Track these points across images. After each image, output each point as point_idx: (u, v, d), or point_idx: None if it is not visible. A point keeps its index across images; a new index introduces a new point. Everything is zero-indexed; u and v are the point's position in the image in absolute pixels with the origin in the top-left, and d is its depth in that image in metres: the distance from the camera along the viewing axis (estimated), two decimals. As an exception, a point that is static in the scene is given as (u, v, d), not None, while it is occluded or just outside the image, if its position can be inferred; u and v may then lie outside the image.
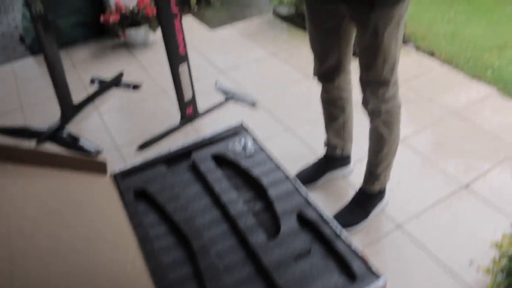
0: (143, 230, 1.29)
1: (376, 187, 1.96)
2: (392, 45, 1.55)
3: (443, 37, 3.60)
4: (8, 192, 1.17)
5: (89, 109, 3.01)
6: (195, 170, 1.54)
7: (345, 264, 1.14)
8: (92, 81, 3.31)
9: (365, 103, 1.74)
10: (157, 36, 3.72)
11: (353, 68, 1.82)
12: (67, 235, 1.12)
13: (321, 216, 1.28)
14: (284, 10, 4.04)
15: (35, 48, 3.81)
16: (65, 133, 2.74)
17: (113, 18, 3.60)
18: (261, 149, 1.61)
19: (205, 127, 2.70)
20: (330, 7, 1.61)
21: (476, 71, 3.10)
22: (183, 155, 1.62)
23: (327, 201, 2.13)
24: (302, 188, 1.38)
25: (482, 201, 2.07)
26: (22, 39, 4.15)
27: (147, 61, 3.57)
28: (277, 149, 2.25)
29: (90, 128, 2.84)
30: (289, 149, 2.47)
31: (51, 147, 2.63)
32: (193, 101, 2.68)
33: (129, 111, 2.99)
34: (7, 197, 1.14)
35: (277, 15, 4.12)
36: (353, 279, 1.11)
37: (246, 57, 3.52)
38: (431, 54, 3.35)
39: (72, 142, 2.65)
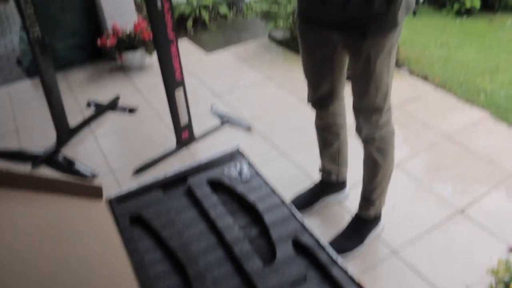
0: (138, 256, 1.28)
1: (372, 212, 1.96)
2: (384, 73, 1.57)
3: (437, 61, 3.65)
4: (1, 217, 1.16)
5: (85, 132, 3.01)
6: (191, 195, 1.53)
7: (342, 291, 1.14)
8: (89, 104, 3.32)
9: (358, 130, 1.76)
10: (153, 59, 3.75)
11: (347, 94, 1.84)
12: (61, 261, 1.11)
13: (317, 242, 1.28)
14: (279, 34, 4.09)
15: (31, 70, 3.83)
16: (60, 157, 2.74)
17: (110, 41, 3.63)
18: (257, 174, 1.60)
19: (201, 152, 2.70)
20: (322, 35, 1.64)
21: (469, 95, 3.14)
22: (179, 180, 1.62)
23: (323, 226, 2.13)
24: (298, 214, 1.38)
25: (478, 226, 2.08)
26: (19, 62, 4.17)
27: (143, 84, 3.59)
28: (273, 174, 2.25)
29: (85, 151, 2.84)
30: (285, 174, 2.48)
31: (46, 171, 2.62)
32: (189, 125, 2.69)
33: (125, 135, 3.00)
34: (0, 222, 1.14)
35: (272, 39, 4.17)
36: (350, 306, 1.10)
37: (242, 81, 3.55)
38: (425, 78, 3.39)
39: (68, 166, 2.65)
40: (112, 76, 3.77)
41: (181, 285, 1.21)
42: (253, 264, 1.22)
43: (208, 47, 4.23)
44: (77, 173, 2.59)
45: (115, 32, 3.68)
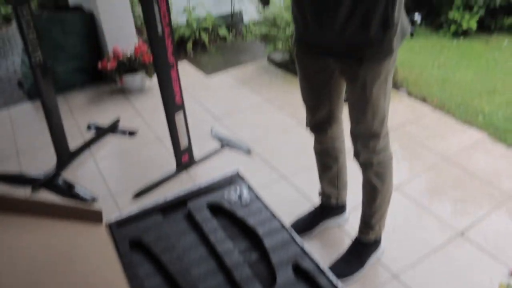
0: (138, 282, 1.28)
1: (371, 236, 1.96)
2: (381, 99, 1.59)
3: (435, 83, 3.68)
4: (1, 242, 1.17)
5: (85, 155, 3.02)
6: (191, 220, 1.54)
7: (342, 317, 1.14)
8: (89, 127, 3.34)
9: (356, 155, 1.77)
10: (153, 81, 3.78)
11: (345, 118, 1.85)
12: (61, 286, 1.11)
13: (317, 267, 1.28)
14: (278, 57, 4.13)
15: (33, 93, 3.86)
16: (60, 180, 2.74)
17: (111, 65, 3.66)
18: (257, 197, 1.61)
19: (201, 175, 2.71)
20: (320, 61, 1.66)
21: (467, 117, 3.16)
22: (179, 203, 1.62)
23: (323, 250, 2.13)
24: (298, 238, 1.38)
25: (478, 249, 2.07)
26: (20, 84, 4.20)
27: (143, 107, 3.62)
28: (273, 197, 2.25)
29: (85, 175, 2.84)
30: (285, 197, 2.48)
31: (46, 195, 2.62)
32: (189, 148, 2.71)
33: (125, 158, 3.01)
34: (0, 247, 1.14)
35: (272, 61, 4.21)
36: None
37: (241, 104, 3.57)
38: (423, 99, 3.42)
39: (68, 190, 2.65)
40: (113, 99, 3.80)
41: (181, 311, 1.21)
42: (254, 290, 1.22)
43: (207, 69, 4.27)
44: (77, 196, 2.59)
45: (115, 55, 3.72)
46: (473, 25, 4.51)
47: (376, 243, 2.00)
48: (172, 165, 2.73)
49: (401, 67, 3.79)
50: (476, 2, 4.47)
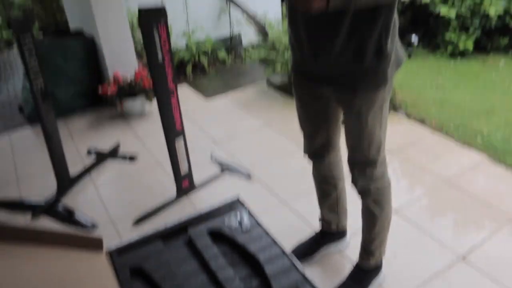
0: (139, 311, 1.28)
1: (372, 262, 1.96)
2: (376, 127, 1.61)
3: (433, 104, 3.71)
4: (2, 271, 1.16)
5: (85, 181, 3.02)
6: (192, 246, 1.54)
7: None
8: (89, 152, 3.35)
9: (354, 182, 1.78)
10: (153, 106, 3.79)
11: (343, 145, 1.86)
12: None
13: (318, 294, 1.28)
14: (277, 80, 4.16)
15: (33, 118, 3.87)
16: (60, 207, 2.74)
17: (111, 89, 3.69)
18: (257, 223, 1.61)
19: (201, 200, 2.71)
20: (316, 90, 1.67)
21: (466, 138, 3.17)
22: (180, 230, 1.62)
23: (324, 276, 2.11)
24: (299, 265, 1.38)
25: (479, 273, 2.06)
26: (21, 109, 4.22)
27: (143, 131, 3.63)
28: (273, 223, 2.24)
29: (86, 201, 2.84)
30: (285, 223, 2.48)
31: (46, 221, 2.62)
32: (189, 174, 2.71)
33: (125, 184, 3.01)
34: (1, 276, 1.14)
35: (271, 84, 4.23)
36: None
37: (241, 128, 3.59)
38: (422, 121, 3.44)
39: (68, 216, 2.65)
40: (113, 123, 3.82)
41: None
42: (255, 320, 1.22)
43: (207, 92, 4.30)
44: (77, 223, 2.59)
45: (116, 80, 3.75)
46: (470, 46, 4.57)
47: (377, 269, 1.99)
48: (172, 190, 2.73)
49: (399, 88, 3.81)
50: (472, 23, 4.53)
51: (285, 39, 3.78)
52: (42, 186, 2.95)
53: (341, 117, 1.78)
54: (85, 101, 4.08)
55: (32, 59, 2.59)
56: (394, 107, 3.58)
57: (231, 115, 3.84)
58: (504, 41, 4.69)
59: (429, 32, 5.01)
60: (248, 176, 2.87)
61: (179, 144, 2.58)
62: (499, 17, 4.45)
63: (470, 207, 2.51)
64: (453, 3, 4.54)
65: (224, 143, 3.35)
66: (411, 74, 4.34)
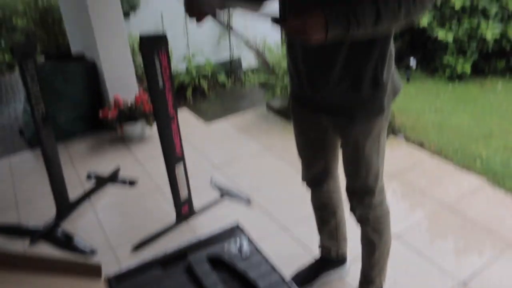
0: None
1: (372, 290, 1.95)
2: (373, 156, 1.62)
3: (431, 128, 3.72)
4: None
5: (84, 205, 3.02)
6: (191, 273, 1.53)
7: None
8: (89, 177, 3.35)
9: (353, 210, 1.78)
10: (153, 130, 3.80)
11: (342, 172, 1.87)
12: None
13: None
14: (277, 103, 4.18)
15: (33, 141, 3.88)
16: (59, 232, 2.73)
17: (112, 113, 3.71)
18: (257, 250, 1.61)
19: (200, 226, 2.70)
20: (314, 118, 1.69)
21: (465, 162, 3.18)
22: (179, 256, 1.62)
23: (324, 304, 2.10)
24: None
25: (481, 300, 2.05)
26: (21, 132, 4.24)
27: (143, 155, 3.64)
28: (273, 249, 2.23)
29: (85, 226, 2.83)
30: (285, 249, 2.46)
31: (45, 247, 2.61)
32: (189, 199, 2.71)
33: (124, 209, 3.00)
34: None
35: (271, 108, 4.26)
36: None
37: (241, 152, 3.59)
38: (421, 145, 3.45)
39: (67, 242, 2.64)
40: (113, 147, 3.83)
41: None
42: None
43: (207, 116, 4.32)
44: (76, 249, 2.57)
45: (116, 104, 3.77)
46: (468, 69, 4.61)
47: (377, 297, 1.98)
48: (172, 216, 2.72)
49: (398, 112, 3.84)
50: (469, 47, 4.58)
51: (284, 63, 3.81)
52: (41, 211, 2.94)
53: (339, 145, 1.79)
54: (85, 124, 4.10)
55: (34, 85, 2.61)
56: (393, 131, 3.59)
57: (231, 139, 3.85)
58: (501, 64, 4.74)
59: (427, 56, 5.06)
60: (248, 201, 2.87)
61: (179, 169, 2.58)
62: (496, 40, 4.50)
63: (471, 232, 2.50)
64: (450, 27, 4.59)
65: (224, 168, 3.36)
66: (410, 97, 4.37)
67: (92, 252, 2.54)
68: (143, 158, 3.60)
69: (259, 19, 1.25)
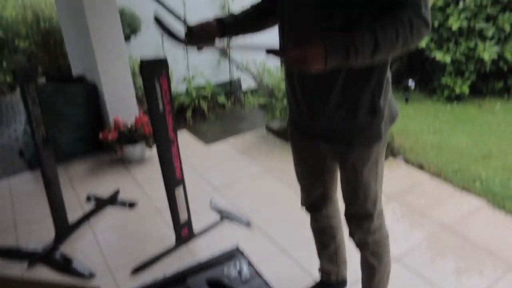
0: None
1: (373, 314, 1.93)
2: (372, 181, 1.62)
3: (431, 149, 3.73)
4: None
5: (84, 228, 3.01)
6: (191, 298, 1.53)
7: None
8: (88, 199, 3.34)
9: (351, 235, 1.78)
10: (153, 152, 3.81)
11: (341, 196, 1.87)
12: None
13: None
14: (277, 125, 4.20)
15: (33, 163, 3.89)
16: (58, 254, 2.72)
17: (112, 135, 3.72)
18: (256, 273, 1.61)
19: (200, 249, 2.68)
20: (312, 144, 1.70)
21: (465, 183, 3.18)
22: (178, 280, 1.62)
23: (324, 329, 2.08)
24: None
25: (483, 325, 2.04)
26: (21, 154, 4.25)
27: (143, 177, 3.64)
28: (273, 272, 2.24)
29: (84, 248, 2.82)
30: (285, 272, 2.44)
31: (43, 270, 2.59)
32: (188, 222, 2.70)
33: (124, 231, 2.99)
34: None
35: (270, 130, 4.27)
36: None
37: (240, 174, 3.60)
38: (420, 166, 3.46)
39: (65, 265, 2.62)
40: (112, 169, 3.83)
41: None
42: None
43: (207, 138, 4.33)
44: (74, 272, 2.56)
45: (116, 126, 3.79)
46: (466, 89, 4.65)
47: (378, 322, 1.96)
48: (171, 238, 2.71)
49: (397, 133, 3.85)
50: (467, 68, 4.62)
51: (283, 85, 3.84)
52: (40, 233, 2.93)
53: (337, 170, 1.79)
54: (85, 146, 4.11)
55: (35, 108, 2.63)
56: (392, 152, 3.60)
57: (231, 161, 3.86)
58: (499, 85, 4.77)
59: (425, 76, 5.10)
60: (248, 224, 2.86)
61: (178, 192, 2.59)
62: (493, 61, 4.55)
63: (471, 254, 2.49)
64: (448, 49, 4.64)
65: (224, 190, 3.36)
66: (409, 118, 4.39)
67: (91, 275, 2.53)
68: (143, 180, 3.60)
69: (257, 51, 1.27)
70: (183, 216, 2.65)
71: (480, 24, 4.48)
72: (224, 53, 1.57)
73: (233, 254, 1.73)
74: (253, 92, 4.65)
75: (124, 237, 2.94)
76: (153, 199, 3.28)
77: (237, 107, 5.16)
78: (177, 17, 1.43)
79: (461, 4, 4.55)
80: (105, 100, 3.96)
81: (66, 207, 2.94)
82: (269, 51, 1.22)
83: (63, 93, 3.91)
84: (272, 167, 3.65)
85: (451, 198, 3.05)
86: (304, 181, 1.88)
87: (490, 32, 4.47)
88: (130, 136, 3.76)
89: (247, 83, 5.34)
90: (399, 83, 4.94)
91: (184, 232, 2.70)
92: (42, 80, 5.06)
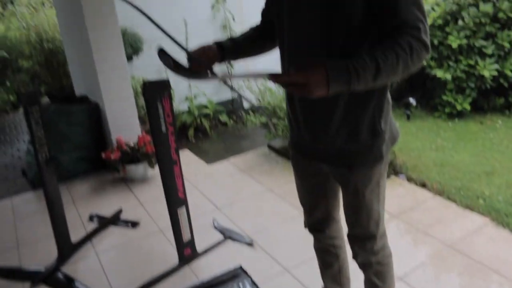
0: None
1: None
2: (374, 202, 1.63)
3: (433, 166, 3.72)
4: None
5: (86, 247, 3.01)
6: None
7: None
8: (91, 218, 3.35)
9: (355, 256, 1.78)
10: (156, 171, 3.83)
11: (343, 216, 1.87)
12: None
13: None
14: (278, 143, 4.21)
15: (36, 182, 3.90)
16: (60, 275, 2.71)
17: (114, 155, 3.74)
18: (260, 295, 1.59)
19: (203, 269, 2.67)
20: (314, 165, 1.70)
21: (468, 201, 3.16)
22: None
23: None
24: None
25: None
26: (24, 173, 4.26)
27: (146, 197, 3.64)
28: (276, 293, 2.23)
29: (86, 268, 2.82)
30: (288, 292, 2.44)
31: (45, 291, 2.59)
32: (191, 242, 2.70)
33: (126, 251, 2.98)
34: None
35: (272, 148, 4.28)
36: None
37: (243, 193, 3.60)
38: (423, 184, 3.45)
39: (68, 285, 2.62)
40: (115, 188, 3.84)
41: None
42: None
43: (209, 157, 4.34)
44: (77, 293, 2.55)
45: (119, 146, 3.80)
46: (467, 106, 4.65)
47: None
48: (174, 258, 2.70)
49: (399, 151, 3.85)
50: (467, 85, 4.63)
51: (285, 105, 3.85)
52: (43, 252, 2.94)
53: (339, 191, 1.80)
54: (88, 165, 4.13)
55: (39, 129, 2.65)
56: (394, 171, 3.60)
57: (233, 180, 3.86)
58: (501, 101, 4.78)
59: (426, 94, 5.12)
60: (251, 243, 2.85)
61: (181, 212, 2.59)
62: (494, 78, 4.56)
63: (475, 272, 2.48)
64: (448, 66, 4.66)
65: (226, 209, 3.35)
66: (411, 136, 4.40)
67: (93, 296, 2.52)
68: (145, 199, 3.60)
69: (258, 77, 1.28)
70: (186, 236, 2.65)
71: (479, 42, 4.51)
72: (226, 82, 1.59)
73: (236, 274, 1.72)
74: (254, 110, 4.67)
75: (126, 257, 2.94)
76: (155, 219, 3.28)
77: (239, 125, 5.18)
78: (179, 44, 1.44)
79: (460, 22, 4.59)
80: (108, 119, 3.98)
81: (68, 226, 2.94)
82: (271, 76, 1.23)
83: (66, 113, 3.94)
84: (274, 185, 3.65)
85: (454, 216, 3.04)
86: (306, 202, 1.88)
87: (489, 50, 4.50)
88: (132, 155, 3.78)
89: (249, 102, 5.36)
90: (400, 101, 4.96)
91: (187, 252, 2.69)
92: (45, 99, 5.09)
